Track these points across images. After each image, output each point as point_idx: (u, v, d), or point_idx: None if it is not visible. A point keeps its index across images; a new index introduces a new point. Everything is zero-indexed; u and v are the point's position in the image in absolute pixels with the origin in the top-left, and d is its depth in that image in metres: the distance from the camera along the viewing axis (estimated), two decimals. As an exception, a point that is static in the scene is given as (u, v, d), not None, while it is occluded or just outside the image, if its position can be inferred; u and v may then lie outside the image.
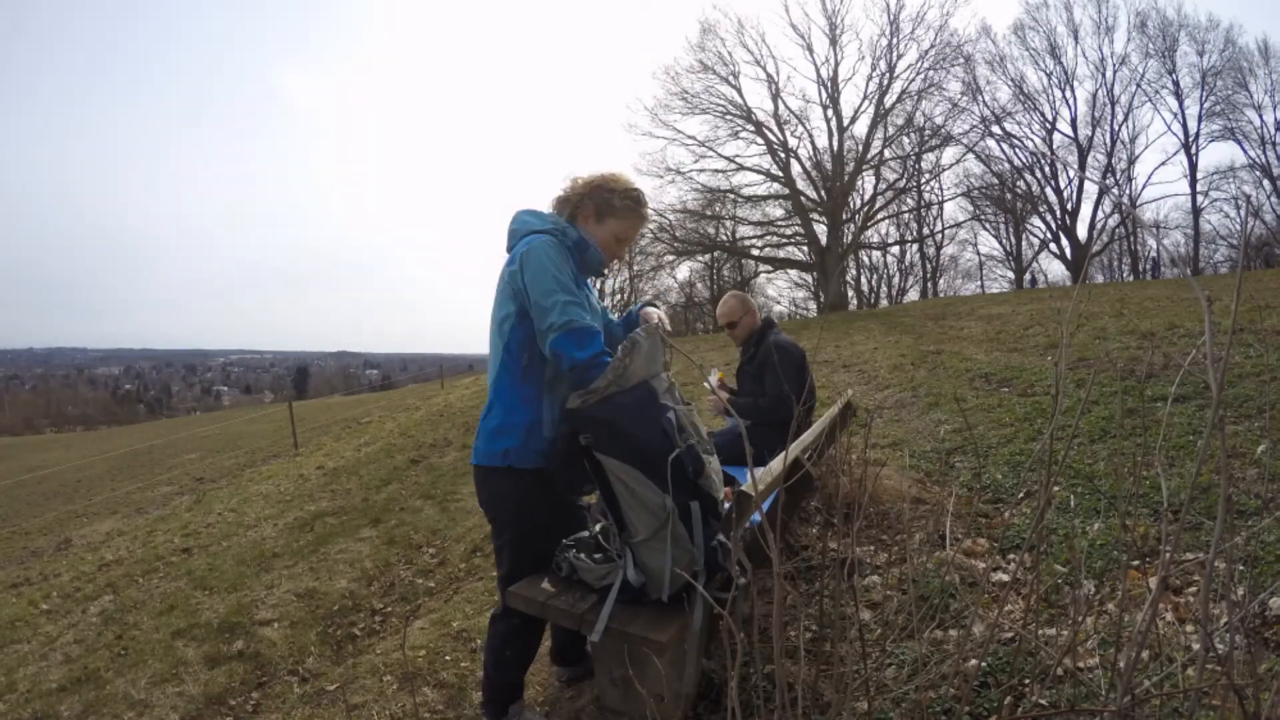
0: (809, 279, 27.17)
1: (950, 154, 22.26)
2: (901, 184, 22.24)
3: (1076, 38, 23.38)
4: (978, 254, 29.65)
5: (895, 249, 29.28)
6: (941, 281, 29.90)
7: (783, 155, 21.13)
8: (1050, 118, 24.06)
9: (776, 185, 21.77)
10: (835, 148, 20.95)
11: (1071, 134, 23.89)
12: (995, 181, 24.86)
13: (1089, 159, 23.79)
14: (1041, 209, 25.05)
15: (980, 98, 22.79)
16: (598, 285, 32.58)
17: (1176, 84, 22.58)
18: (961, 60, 20.74)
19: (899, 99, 20.24)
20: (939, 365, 6.70)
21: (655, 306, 1.99)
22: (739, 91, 20.99)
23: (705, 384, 3.35)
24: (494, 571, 3.76)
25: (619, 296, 33.46)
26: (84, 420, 61.25)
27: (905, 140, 21.33)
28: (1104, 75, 23.11)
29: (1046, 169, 24.38)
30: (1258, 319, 5.52)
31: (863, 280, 31.39)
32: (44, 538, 8.01)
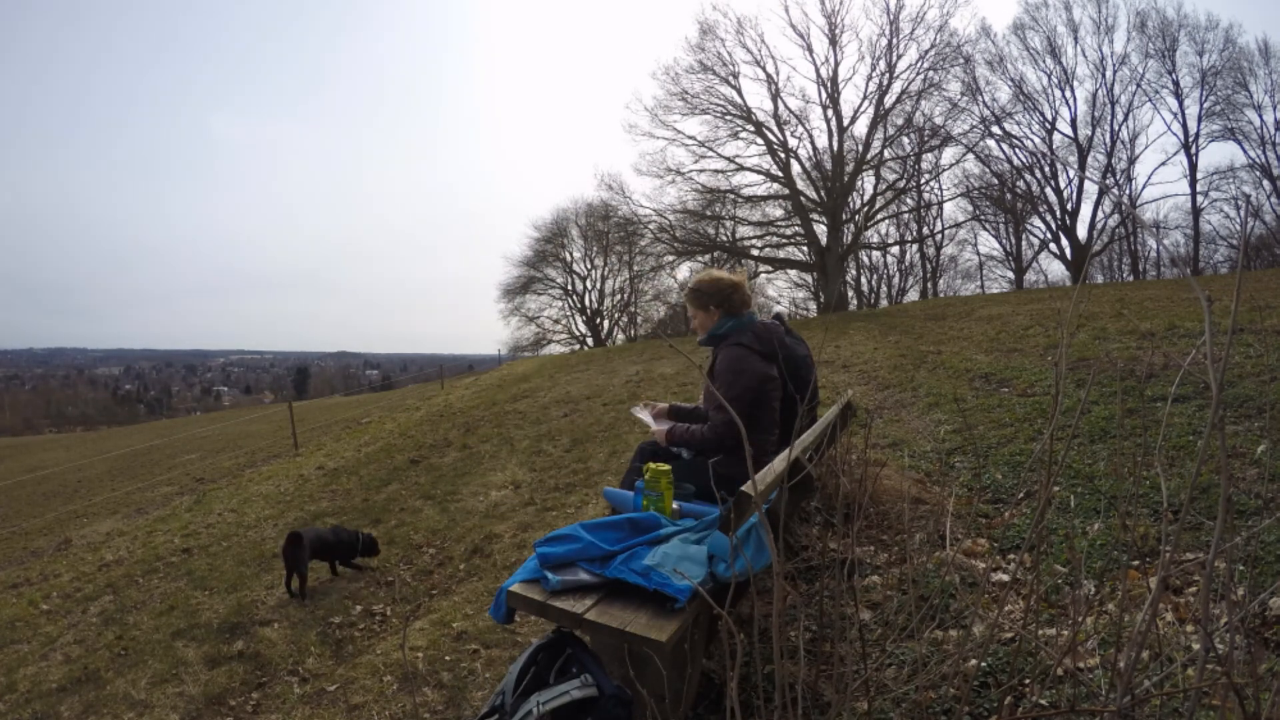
0: (809, 279, 27.17)
1: (950, 154, 22.21)
2: (901, 184, 22.19)
3: (1076, 37, 23.35)
4: (977, 254, 29.63)
5: (895, 249, 29.29)
6: (941, 282, 29.90)
7: (783, 155, 21.10)
8: (1050, 118, 24.03)
9: (776, 185, 21.74)
10: (835, 148, 20.91)
11: (1071, 134, 23.86)
12: (995, 181, 24.81)
13: (1089, 159, 23.75)
14: (1041, 209, 25.03)
15: (980, 98, 22.77)
16: (599, 284, 32.62)
17: (1176, 84, 22.56)
18: (961, 60, 20.71)
19: (899, 99, 20.19)
20: (939, 365, 6.70)
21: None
22: (739, 92, 20.97)
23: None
24: (493, 572, 3.84)
25: (619, 296, 33.53)
26: (84, 420, 61.18)
27: (905, 140, 21.29)
28: (1104, 75, 23.09)
29: (1046, 169, 24.35)
30: (1258, 319, 5.52)
31: (863, 280, 31.41)
32: (44, 538, 8.01)
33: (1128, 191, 23.80)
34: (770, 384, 2.61)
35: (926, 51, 19.78)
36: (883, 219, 24.07)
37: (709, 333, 2.75)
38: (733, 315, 2.71)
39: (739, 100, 20.94)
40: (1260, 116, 21.70)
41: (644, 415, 2.99)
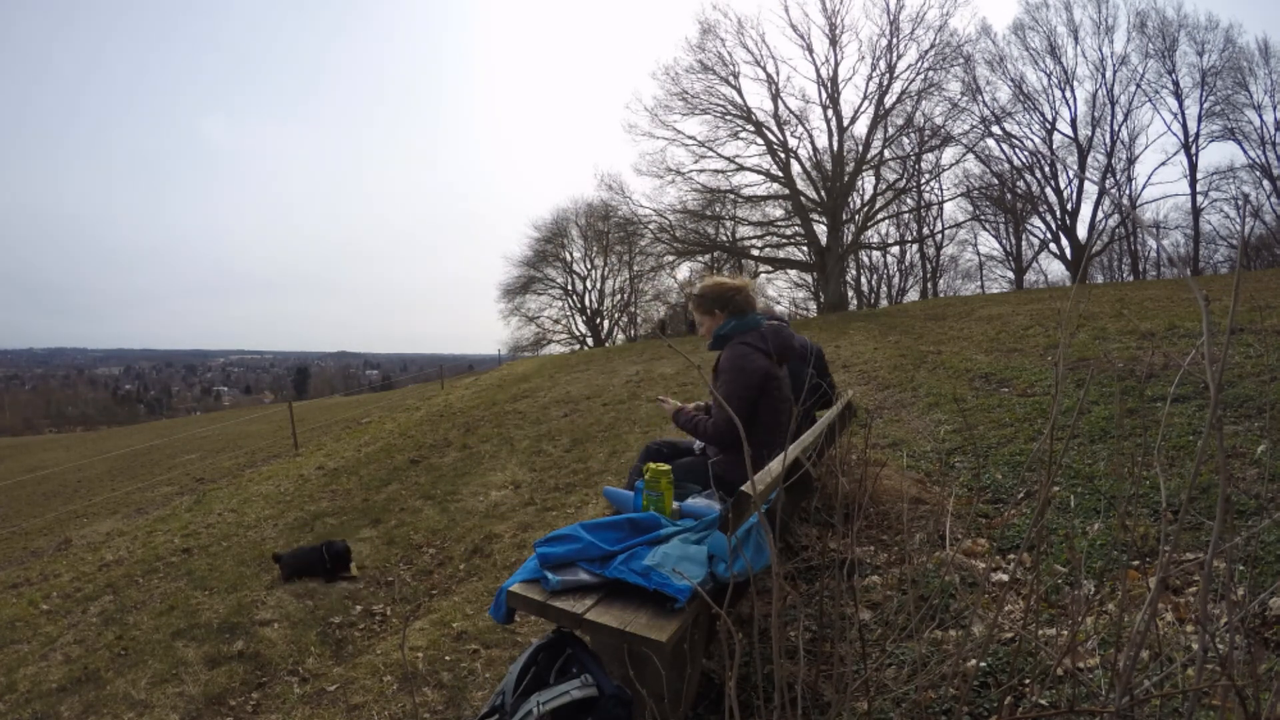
0: (809, 279, 27.17)
1: (950, 154, 22.20)
2: (901, 184, 22.17)
3: (1076, 38, 23.37)
4: (978, 254, 29.65)
5: (895, 249, 29.29)
6: (941, 282, 29.91)
7: (783, 155, 21.08)
8: (1050, 118, 24.05)
9: (776, 185, 21.73)
10: (835, 148, 20.89)
11: (1071, 134, 23.87)
12: (995, 181, 24.83)
13: (1089, 159, 23.76)
14: (1041, 209, 25.04)
15: (980, 98, 22.77)
16: (599, 284, 32.62)
17: (1176, 84, 22.57)
18: (961, 60, 20.68)
19: (899, 99, 20.17)
20: (939, 365, 6.70)
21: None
22: (739, 92, 20.96)
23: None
24: (493, 572, 3.86)
25: (619, 296, 33.54)
26: (84, 420, 61.17)
27: (905, 140, 21.27)
28: (1104, 75, 23.10)
29: (1046, 169, 24.36)
30: (1257, 319, 5.52)
31: (863, 280, 31.41)
32: (44, 538, 8.01)
33: (1128, 191, 23.83)
34: (774, 384, 2.60)
35: (926, 51, 19.79)
36: (883, 219, 24.08)
37: (714, 334, 2.77)
38: (737, 316, 2.73)
39: (739, 100, 20.95)
40: (1260, 116, 21.73)
41: (666, 403, 3.02)
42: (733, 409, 2.51)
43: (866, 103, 20.57)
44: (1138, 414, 3.53)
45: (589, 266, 32.73)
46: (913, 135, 20.95)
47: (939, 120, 20.48)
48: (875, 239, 26.24)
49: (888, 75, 20.07)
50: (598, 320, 32.86)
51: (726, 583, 1.70)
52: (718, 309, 2.76)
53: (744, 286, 2.77)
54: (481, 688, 2.63)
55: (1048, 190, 24.50)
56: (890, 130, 20.77)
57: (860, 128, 21.07)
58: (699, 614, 1.82)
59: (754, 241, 23.17)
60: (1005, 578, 2.35)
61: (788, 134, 21.04)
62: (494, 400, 10.59)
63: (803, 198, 21.22)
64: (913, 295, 29.49)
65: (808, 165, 21.46)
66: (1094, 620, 1.92)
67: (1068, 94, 23.72)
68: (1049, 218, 24.93)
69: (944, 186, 25.07)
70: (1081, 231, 24.04)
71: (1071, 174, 23.95)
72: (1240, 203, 22.27)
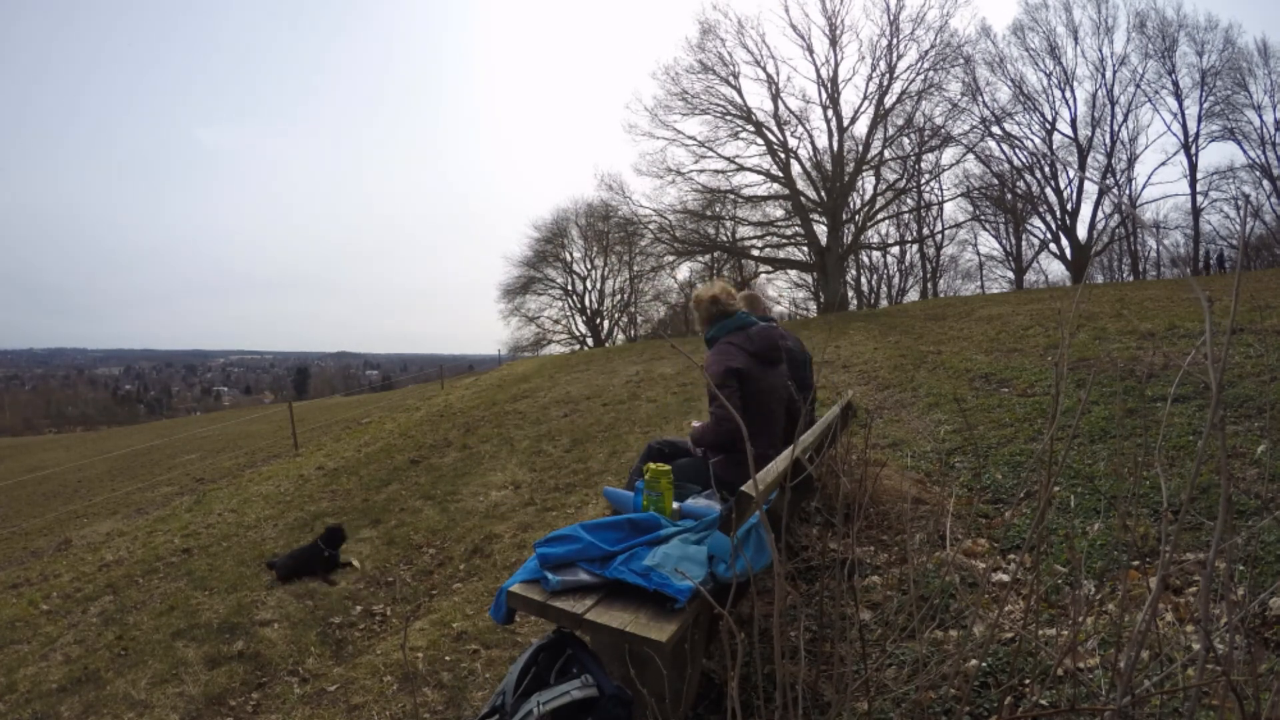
0: (809, 279, 27.16)
1: (950, 154, 22.17)
2: (901, 184, 22.17)
3: (1076, 38, 23.37)
4: (978, 254, 29.65)
5: (895, 249, 29.28)
6: (941, 282, 29.90)
7: (783, 155, 21.07)
8: (1050, 118, 24.05)
9: (776, 185, 21.72)
10: (835, 148, 20.88)
11: (1071, 134, 23.87)
12: (995, 182, 24.83)
13: (1089, 159, 23.76)
14: (1041, 209, 25.04)
15: (980, 98, 22.76)
16: (599, 284, 32.63)
17: (1176, 84, 22.57)
18: (961, 61, 20.68)
19: (899, 99, 20.15)
20: (939, 365, 6.70)
21: None
22: (739, 92, 20.95)
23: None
24: (493, 572, 3.87)
25: (619, 296, 33.53)
26: (84, 421, 61.13)
27: (905, 140, 21.24)
28: (1104, 75, 23.11)
29: (1046, 169, 24.36)
30: (1258, 319, 5.52)
31: (863, 280, 31.40)
32: (44, 538, 8.01)
33: (1128, 191, 23.85)
34: (750, 384, 2.69)
35: (926, 52, 19.78)
36: (883, 219, 24.07)
37: (704, 338, 2.97)
38: (718, 321, 2.92)
39: (739, 100, 20.94)
40: (1260, 116, 21.74)
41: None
42: (714, 405, 2.67)
43: (866, 103, 20.58)
44: (1138, 414, 3.53)
45: (589, 267, 32.73)
46: (913, 135, 20.95)
47: (939, 120, 20.48)
48: (875, 239, 26.26)
49: (888, 75, 20.08)
50: (598, 320, 32.85)
51: (726, 583, 1.70)
52: (703, 320, 2.99)
53: (717, 295, 2.97)
54: (481, 688, 2.63)
55: (1048, 190, 24.51)
56: (890, 130, 20.77)
57: (860, 128, 21.09)
58: (699, 614, 1.82)
59: (754, 242, 23.16)
60: (1005, 578, 2.35)
61: (788, 134, 21.05)
62: (494, 400, 10.59)
63: (803, 198, 21.21)
64: (913, 295, 29.50)
65: (808, 165, 21.46)
66: (1094, 620, 1.92)
67: (1067, 94, 23.75)
68: (1049, 218, 24.93)
69: (944, 186, 25.08)
70: (1081, 231, 24.05)
71: (1071, 174, 23.97)
72: (1240, 203, 22.29)
